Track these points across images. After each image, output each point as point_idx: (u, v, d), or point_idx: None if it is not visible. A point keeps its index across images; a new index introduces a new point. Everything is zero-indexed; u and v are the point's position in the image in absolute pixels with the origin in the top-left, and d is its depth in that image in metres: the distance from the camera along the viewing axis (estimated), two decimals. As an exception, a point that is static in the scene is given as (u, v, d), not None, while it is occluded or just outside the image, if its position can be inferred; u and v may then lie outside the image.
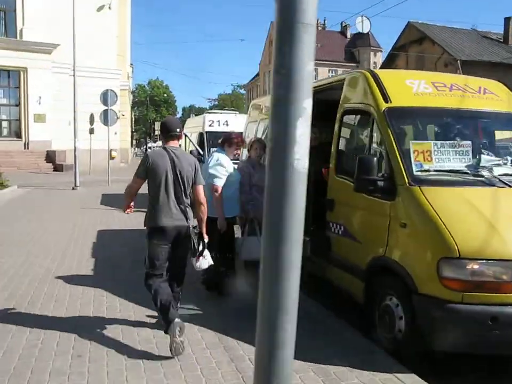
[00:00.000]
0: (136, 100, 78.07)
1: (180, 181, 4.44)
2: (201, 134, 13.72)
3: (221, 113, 15.22)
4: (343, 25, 70.26)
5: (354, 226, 4.98)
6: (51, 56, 27.65)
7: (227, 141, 5.98)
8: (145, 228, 4.56)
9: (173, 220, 4.41)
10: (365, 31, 21.00)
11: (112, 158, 21.82)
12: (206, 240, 4.65)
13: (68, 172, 23.19)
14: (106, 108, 19.28)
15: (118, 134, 29.36)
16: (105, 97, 19.21)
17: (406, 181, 4.28)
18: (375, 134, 4.83)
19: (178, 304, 4.72)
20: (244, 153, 8.53)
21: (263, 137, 7.39)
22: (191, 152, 12.95)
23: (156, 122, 56.23)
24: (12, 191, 16.93)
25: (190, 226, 4.50)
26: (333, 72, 67.80)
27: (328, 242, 5.52)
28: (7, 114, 28.89)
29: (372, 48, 67.71)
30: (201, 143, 13.54)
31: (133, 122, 62.80)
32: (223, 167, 5.75)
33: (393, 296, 4.32)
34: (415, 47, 40.59)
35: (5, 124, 28.99)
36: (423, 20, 41.70)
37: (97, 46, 28.30)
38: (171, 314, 4.20)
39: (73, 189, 18.45)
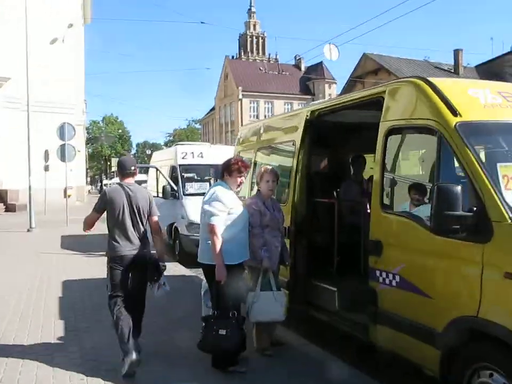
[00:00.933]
0: (91, 136, 75.91)
1: (136, 213, 4.84)
2: (173, 168, 12.52)
3: (194, 144, 14.08)
4: (297, 58, 70.80)
5: (420, 275, 3.83)
6: (2, 90, 25.99)
7: (225, 169, 4.89)
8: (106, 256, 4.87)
9: (130, 249, 4.77)
10: (334, 59, 20.40)
11: (68, 196, 20.17)
12: (164, 267, 4.98)
13: (21, 212, 21.43)
14: (63, 142, 17.83)
15: (73, 171, 27.66)
16: (62, 131, 17.87)
17: (507, 216, 3.21)
18: (442, 156, 3.77)
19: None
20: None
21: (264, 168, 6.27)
22: (164, 187, 11.63)
23: (112, 159, 54.50)
24: (-43, 236, 15.11)
25: (147, 254, 4.89)
26: (289, 104, 67.77)
27: (372, 295, 4.36)
28: (-48, 152, 26.79)
29: (326, 80, 68.33)
30: (173, 177, 12.32)
31: (87, 159, 60.69)
32: (220, 202, 4.62)
33: (496, 371, 3.19)
34: (372, 77, 41.26)
35: (-51, 162, 26.88)
36: (377, 51, 42.88)
37: (51, 80, 27.13)
38: (129, 346, 4.44)
39: (28, 230, 16.86)
